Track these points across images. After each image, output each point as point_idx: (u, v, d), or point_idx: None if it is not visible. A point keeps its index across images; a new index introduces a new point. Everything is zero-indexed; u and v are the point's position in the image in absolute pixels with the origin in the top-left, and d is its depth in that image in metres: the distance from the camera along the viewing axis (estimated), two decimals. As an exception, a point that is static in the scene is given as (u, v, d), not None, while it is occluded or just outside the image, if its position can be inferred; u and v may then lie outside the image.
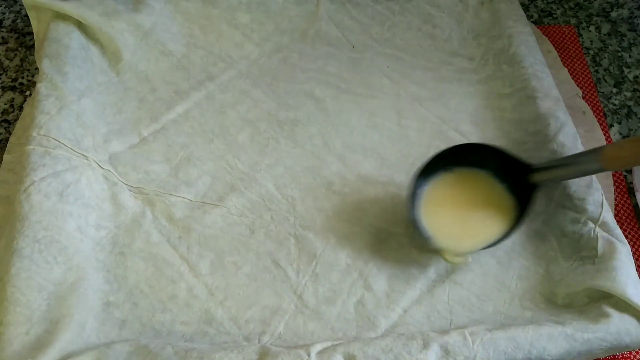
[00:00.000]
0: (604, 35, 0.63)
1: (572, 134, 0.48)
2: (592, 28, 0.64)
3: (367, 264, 0.45)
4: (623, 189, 0.51)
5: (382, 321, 0.42)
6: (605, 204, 0.44)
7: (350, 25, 0.58)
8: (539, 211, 0.47)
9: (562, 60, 0.59)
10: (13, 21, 0.60)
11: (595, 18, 0.64)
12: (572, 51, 0.60)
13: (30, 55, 0.57)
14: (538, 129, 0.50)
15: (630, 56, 0.61)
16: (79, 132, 0.47)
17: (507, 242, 0.46)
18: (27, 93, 0.55)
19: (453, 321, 0.42)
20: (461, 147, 0.45)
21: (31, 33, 0.58)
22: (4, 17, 0.60)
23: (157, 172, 0.48)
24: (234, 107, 0.53)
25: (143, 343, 0.37)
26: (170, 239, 0.45)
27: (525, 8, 0.64)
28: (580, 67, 0.59)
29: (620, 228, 0.44)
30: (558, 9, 0.65)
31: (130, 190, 0.47)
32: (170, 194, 0.47)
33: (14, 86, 0.55)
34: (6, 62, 0.57)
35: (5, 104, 0.54)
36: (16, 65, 0.57)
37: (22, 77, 0.56)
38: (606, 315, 0.39)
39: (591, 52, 0.61)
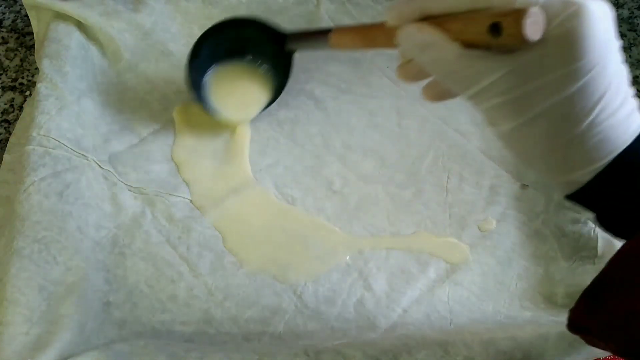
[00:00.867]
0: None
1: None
2: (592, 28, 0.63)
3: (367, 264, 0.45)
4: (623, 189, 0.51)
5: (382, 321, 0.42)
6: (605, 204, 0.44)
7: (350, 25, 0.58)
8: (539, 211, 0.47)
9: (562, 60, 0.59)
10: (13, 21, 0.60)
11: (595, 18, 0.64)
12: (572, 51, 0.60)
13: (30, 55, 0.57)
14: (538, 129, 0.50)
15: (630, 56, 0.61)
16: (79, 132, 0.47)
17: (507, 242, 0.46)
18: (27, 93, 0.55)
19: (453, 321, 0.42)
20: (224, 27, 0.50)
21: (31, 33, 0.58)
22: (4, 17, 0.60)
23: (157, 172, 0.48)
24: (234, 107, 0.53)
25: (143, 343, 0.37)
26: (170, 239, 0.45)
27: (525, 8, 0.64)
28: (580, 67, 0.59)
29: (620, 228, 0.44)
30: (558, 9, 0.65)
31: (130, 190, 0.47)
32: (170, 194, 0.47)
33: (14, 86, 0.55)
34: (6, 62, 0.57)
35: (5, 104, 0.54)
36: (16, 65, 0.57)
37: (22, 77, 0.56)
38: (606, 315, 0.39)
39: (591, 52, 0.61)
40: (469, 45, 0.27)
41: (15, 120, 0.52)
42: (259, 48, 0.51)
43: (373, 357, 0.37)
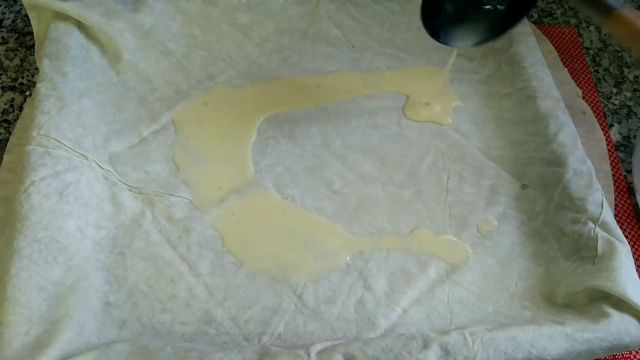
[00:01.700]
0: (604, 35, 0.63)
1: (572, 134, 0.48)
2: (592, 28, 0.64)
3: (367, 264, 0.45)
4: (623, 189, 0.51)
5: (382, 321, 0.42)
6: (605, 204, 0.44)
7: (350, 25, 0.58)
8: (539, 211, 0.47)
9: (562, 60, 0.59)
10: (13, 21, 0.60)
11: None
12: (572, 51, 0.60)
13: (30, 55, 0.57)
14: (538, 129, 0.50)
15: (630, 56, 0.61)
16: (79, 132, 0.47)
17: (507, 242, 0.46)
18: (27, 93, 0.55)
19: (453, 321, 0.42)
20: None
21: (31, 33, 0.58)
22: (4, 17, 0.60)
23: (157, 172, 0.48)
24: (234, 107, 0.53)
25: (143, 343, 0.37)
26: (170, 239, 0.45)
27: (525, 8, 0.64)
28: (580, 67, 0.59)
29: (620, 228, 0.44)
30: (558, 9, 0.65)
31: (130, 190, 0.47)
32: (170, 194, 0.47)
33: (14, 86, 0.55)
34: (6, 62, 0.57)
35: (5, 104, 0.54)
36: (16, 65, 0.57)
37: (22, 77, 0.56)
38: (606, 315, 0.39)
39: (591, 52, 0.61)
40: None
41: (15, 120, 0.52)
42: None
43: (373, 357, 0.37)
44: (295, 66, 0.56)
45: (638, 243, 0.48)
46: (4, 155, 0.48)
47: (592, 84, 0.58)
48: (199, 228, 0.46)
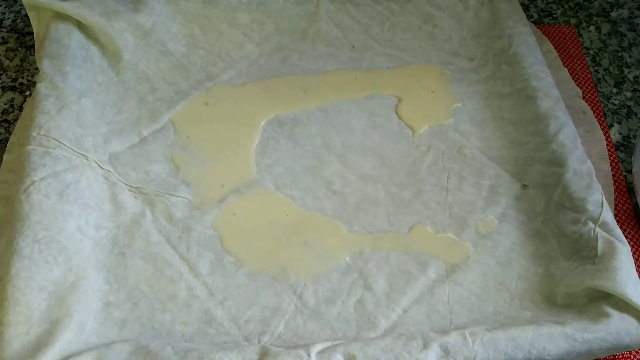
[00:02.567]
0: (604, 35, 0.63)
1: (572, 134, 0.48)
2: (592, 28, 0.64)
3: (367, 264, 0.45)
4: (623, 189, 0.51)
5: (382, 321, 0.42)
6: (605, 204, 0.44)
7: (350, 25, 0.58)
8: (539, 211, 0.47)
9: (562, 60, 0.59)
10: (13, 21, 0.60)
11: (595, 18, 0.64)
12: (572, 51, 0.60)
13: (30, 55, 0.57)
14: (538, 129, 0.50)
15: (630, 56, 0.61)
16: (79, 132, 0.47)
17: (507, 242, 0.46)
18: (27, 93, 0.55)
19: (453, 321, 0.42)
20: None
21: (31, 33, 0.58)
22: (4, 17, 0.60)
23: (157, 172, 0.48)
24: (234, 107, 0.53)
25: (143, 343, 0.37)
26: (170, 239, 0.45)
27: (525, 8, 0.64)
28: (580, 67, 0.59)
29: (620, 228, 0.44)
30: (558, 9, 0.65)
31: (130, 190, 0.47)
32: (170, 194, 0.47)
33: (14, 86, 0.55)
34: (6, 62, 0.57)
35: (5, 104, 0.54)
36: (16, 65, 0.57)
37: (22, 77, 0.56)
38: (606, 315, 0.39)
39: (591, 52, 0.61)
40: None
41: (15, 120, 0.52)
42: None
43: (373, 357, 0.37)
44: (295, 66, 0.56)
45: (638, 243, 0.48)
46: (4, 155, 0.48)
47: (592, 84, 0.58)
48: (199, 228, 0.46)
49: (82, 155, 0.46)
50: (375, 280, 0.44)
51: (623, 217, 0.49)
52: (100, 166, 0.47)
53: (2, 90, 0.55)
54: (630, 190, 0.51)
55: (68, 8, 0.50)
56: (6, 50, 0.58)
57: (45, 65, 0.48)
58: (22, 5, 0.60)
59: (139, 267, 0.43)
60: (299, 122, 0.52)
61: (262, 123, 0.52)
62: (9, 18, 0.60)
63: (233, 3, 0.57)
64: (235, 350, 0.37)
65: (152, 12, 0.54)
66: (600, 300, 0.40)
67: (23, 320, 0.37)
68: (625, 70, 0.60)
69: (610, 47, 0.62)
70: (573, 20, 0.64)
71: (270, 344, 0.40)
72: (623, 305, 0.39)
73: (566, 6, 0.65)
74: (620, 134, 0.56)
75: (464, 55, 0.58)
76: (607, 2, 0.66)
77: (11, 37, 0.59)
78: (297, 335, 0.41)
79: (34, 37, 0.53)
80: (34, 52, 0.54)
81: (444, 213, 0.47)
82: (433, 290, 0.43)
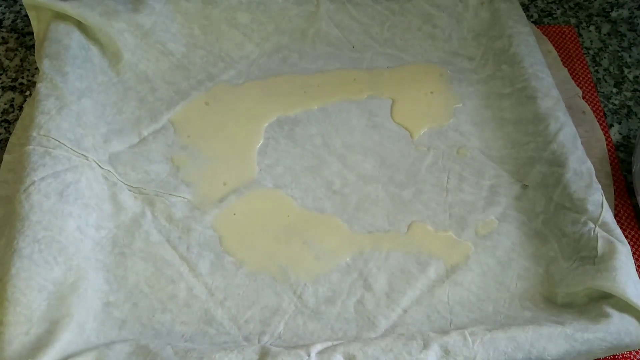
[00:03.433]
0: (604, 35, 0.63)
1: (572, 134, 0.48)
2: (592, 28, 0.64)
3: (367, 264, 0.45)
4: (623, 189, 0.51)
5: (382, 321, 0.42)
6: (605, 204, 0.44)
7: (350, 25, 0.58)
8: (539, 211, 0.47)
9: (562, 60, 0.59)
10: (13, 21, 0.60)
11: (595, 18, 0.64)
12: (572, 51, 0.60)
13: (30, 55, 0.57)
14: (538, 129, 0.50)
15: (630, 56, 0.61)
16: (79, 132, 0.47)
17: (507, 242, 0.46)
18: (27, 93, 0.55)
19: (453, 321, 0.42)
20: None
21: (31, 33, 0.58)
22: (4, 17, 0.60)
23: (157, 172, 0.48)
24: (234, 107, 0.53)
25: (143, 343, 0.37)
26: (170, 239, 0.45)
27: (525, 8, 0.64)
28: (580, 67, 0.59)
29: (620, 228, 0.44)
30: (558, 9, 0.65)
31: (130, 190, 0.47)
32: (170, 194, 0.47)
33: (14, 86, 0.55)
34: (6, 62, 0.57)
35: (5, 104, 0.54)
36: (16, 65, 0.57)
37: (22, 77, 0.56)
38: (606, 315, 0.39)
39: (591, 52, 0.61)
40: None
41: (15, 120, 0.52)
42: None
43: (373, 357, 0.37)
44: (295, 66, 0.56)
45: (638, 243, 0.48)
46: (4, 155, 0.48)
47: (592, 84, 0.58)
48: (199, 228, 0.46)
49: (82, 155, 0.46)
50: (375, 280, 0.44)
51: (623, 217, 0.49)
52: (100, 166, 0.47)
53: (2, 90, 0.55)
54: (630, 190, 0.51)
55: (68, 8, 0.50)
56: (6, 50, 0.58)
57: (45, 65, 0.48)
58: (22, 5, 0.60)
59: (139, 267, 0.43)
60: (299, 122, 0.52)
61: (265, 125, 0.52)
62: (9, 18, 0.60)
63: (233, 3, 0.57)
64: (235, 350, 0.37)
65: (152, 12, 0.54)
66: (600, 300, 0.40)
67: (23, 320, 0.37)
68: (625, 70, 0.60)
69: (610, 47, 0.62)
70: (573, 20, 0.64)
71: (270, 344, 0.40)
72: (623, 305, 0.39)
73: (566, 6, 0.65)
74: (620, 134, 0.55)
75: (464, 55, 0.58)
76: (607, 2, 0.66)
77: (11, 37, 0.59)
78: (297, 335, 0.41)
79: (34, 37, 0.53)
80: (34, 52, 0.54)
81: (444, 213, 0.47)
82: (433, 290, 0.43)
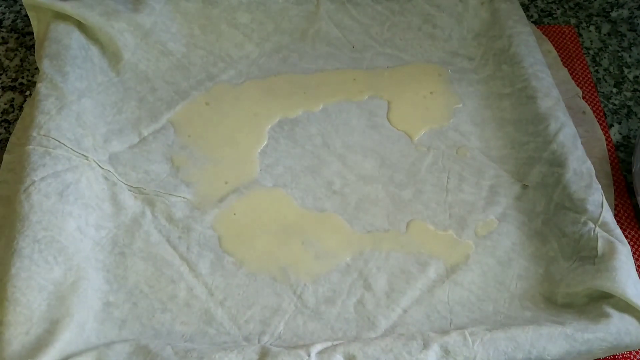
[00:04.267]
0: (604, 35, 0.63)
1: (572, 134, 0.48)
2: (592, 28, 0.64)
3: (367, 264, 0.45)
4: (623, 189, 0.51)
5: (382, 321, 0.42)
6: (605, 204, 0.44)
7: (350, 25, 0.58)
8: (539, 211, 0.47)
9: (562, 60, 0.59)
10: (13, 21, 0.60)
11: (595, 18, 0.64)
12: (572, 51, 0.60)
13: (30, 55, 0.57)
14: (538, 129, 0.50)
15: (630, 56, 0.61)
16: (79, 132, 0.47)
17: (507, 242, 0.46)
18: (27, 93, 0.55)
19: (453, 321, 0.42)
20: None
21: (31, 33, 0.58)
22: (4, 17, 0.60)
23: (157, 172, 0.48)
24: (234, 107, 0.53)
25: (143, 343, 0.37)
26: (170, 239, 0.45)
27: (525, 8, 0.64)
28: (580, 67, 0.59)
29: (620, 228, 0.44)
30: (558, 9, 0.65)
31: (130, 190, 0.47)
32: (170, 194, 0.47)
33: (14, 86, 0.55)
34: (6, 62, 0.57)
35: (5, 104, 0.54)
36: (16, 65, 0.57)
37: (22, 77, 0.56)
38: (606, 315, 0.39)
39: (591, 52, 0.61)
40: None
41: (15, 120, 0.52)
42: None
43: (373, 357, 0.37)
44: (295, 66, 0.56)
45: (638, 243, 0.48)
46: (4, 155, 0.48)
47: (592, 84, 0.58)
48: (199, 228, 0.46)
49: (82, 155, 0.46)
50: (375, 280, 0.44)
51: (623, 217, 0.49)
52: (100, 166, 0.47)
53: (2, 90, 0.55)
54: (630, 190, 0.51)
55: (68, 8, 0.50)
56: (6, 50, 0.58)
57: (45, 65, 0.48)
58: (22, 5, 0.60)
59: (139, 267, 0.43)
60: (299, 122, 0.52)
61: (267, 128, 0.52)
62: (9, 18, 0.60)
63: (233, 3, 0.57)
64: (235, 350, 0.37)
65: (152, 12, 0.54)
66: (600, 300, 0.40)
67: (23, 320, 0.37)
68: (625, 70, 0.60)
69: (610, 47, 0.62)
70: (573, 20, 0.64)
71: (270, 344, 0.40)
72: (623, 305, 0.39)
73: (566, 6, 0.65)
74: (620, 134, 0.56)
75: (464, 55, 0.58)
76: (607, 2, 0.66)
77: (11, 37, 0.59)
78: (297, 335, 0.41)
79: (34, 37, 0.53)
80: (34, 52, 0.54)
81: (444, 213, 0.47)
82: (433, 290, 0.43)
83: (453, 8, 0.59)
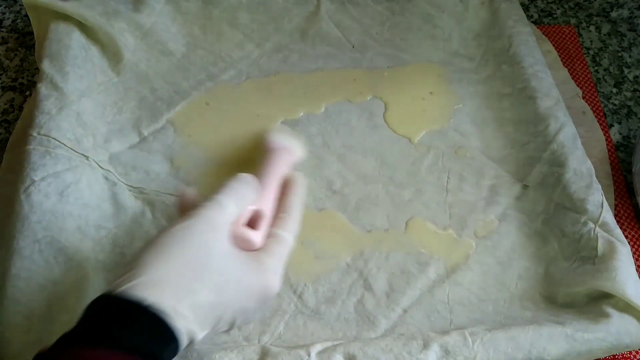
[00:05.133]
0: (604, 35, 0.63)
1: (572, 134, 0.48)
2: (592, 28, 0.64)
3: (367, 264, 0.45)
4: (623, 189, 0.51)
5: (382, 321, 0.42)
6: (605, 204, 0.44)
7: (350, 25, 0.58)
8: (539, 211, 0.47)
9: (562, 60, 0.59)
10: (13, 21, 0.60)
11: (595, 18, 0.64)
12: (572, 51, 0.60)
13: (30, 55, 0.57)
14: (538, 129, 0.50)
15: (630, 56, 0.61)
16: (79, 132, 0.47)
17: (507, 243, 0.46)
18: (27, 93, 0.55)
19: (453, 321, 0.42)
20: None
21: (31, 33, 0.58)
22: (4, 17, 0.60)
23: (157, 172, 0.48)
24: (234, 107, 0.53)
25: (143, 343, 0.37)
26: (170, 239, 0.45)
27: (525, 8, 0.64)
28: (580, 67, 0.59)
29: (620, 228, 0.44)
30: (558, 9, 0.65)
31: (130, 191, 0.47)
32: (170, 194, 0.47)
33: (14, 86, 0.55)
34: (6, 62, 0.57)
35: (5, 104, 0.54)
36: (16, 65, 0.57)
37: (22, 77, 0.56)
38: (606, 315, 0.39)
39: (591, 52, 0.61)
40: None
41: (15, 120, 0.52)
42: None
43: (373, 357, 0.37)
44: (295, 66, 0.56)
45: (638, 243, 0.48)
46: (4, 155, 0.48)
47: (592, 84, 0.58)
48: (199, 228, 0.45)
49: (82, 155, 0.46)
50: (375, 280, 0.44)
51: (623, 217, 0.49)
52: (100, 166, 0.47)
53: (2, 90, 0.55)
54: (630, 190, 0.51)
55: (68, 8, 0.50)
56: (6, 50, 0.58)
57: (45, 65, 0.48)
58: (22, 5, 0.60)
59: (139, 267, 0.43)
60: (299, 122, 0.52)
61: (268, 128, 0.52)
62: (9, 18, 0.60)
63: (233, 3, 0.57)
64: (235, 350, 0.37)
65: (152, 12, 0.54)
66: (600, 300, 0.40)
67: (23, 320, 0.37)
68: (625, 70, 0.60)
69: (610, 47, 0.62)
70: (573, 20, 0.64)
71: (270, 344, 0.40)
72: (623, 305, 0.39)
73: (566, 6, 0.65)
74: (620, 134, 0.56)
75: (464, 55, 0.58)
76: (607, 2, 0.66)
77: (11, 37, 0.59)
78: (297, 335, 0.41)
79: (34, 37, 0.53)
80: (34, 52, 0.54)
81: (444, 213, 0.47)
82: (433, 290, 0.43)
83: (453, 8, 0.59)
